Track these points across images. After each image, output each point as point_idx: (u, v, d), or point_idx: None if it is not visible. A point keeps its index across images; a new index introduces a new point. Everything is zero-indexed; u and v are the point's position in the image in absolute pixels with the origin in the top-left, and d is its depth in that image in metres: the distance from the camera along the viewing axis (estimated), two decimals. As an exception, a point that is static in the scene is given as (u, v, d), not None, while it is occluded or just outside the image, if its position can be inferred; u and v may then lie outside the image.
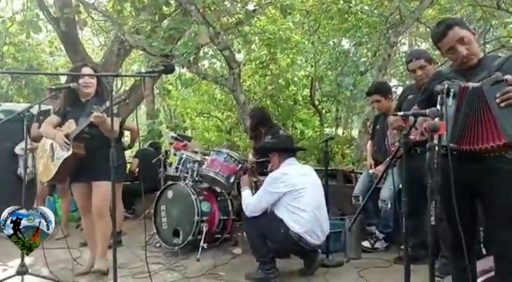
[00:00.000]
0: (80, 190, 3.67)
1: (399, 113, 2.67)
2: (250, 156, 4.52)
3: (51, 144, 3.65)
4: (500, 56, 2.45)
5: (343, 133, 12.22)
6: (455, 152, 2.30)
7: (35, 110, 3.65)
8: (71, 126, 3.50)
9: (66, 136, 3.45)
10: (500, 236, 2.34)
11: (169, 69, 3.19)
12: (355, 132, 11.69)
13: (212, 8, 6.03)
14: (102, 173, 3.34)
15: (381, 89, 4.41)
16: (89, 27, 9.54)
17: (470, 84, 2.28)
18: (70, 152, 3.43)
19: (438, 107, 2.19)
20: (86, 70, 3.60)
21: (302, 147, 5.46)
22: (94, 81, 3.61)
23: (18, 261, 3.39)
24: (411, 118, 2.62)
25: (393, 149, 3.88)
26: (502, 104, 2.17)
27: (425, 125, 2.14)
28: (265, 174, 4.10)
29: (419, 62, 3.57)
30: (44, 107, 4.97)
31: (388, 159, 3.81)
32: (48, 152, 3.67)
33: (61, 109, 3.71)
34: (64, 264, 3.95)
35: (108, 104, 3.02)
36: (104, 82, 3.64)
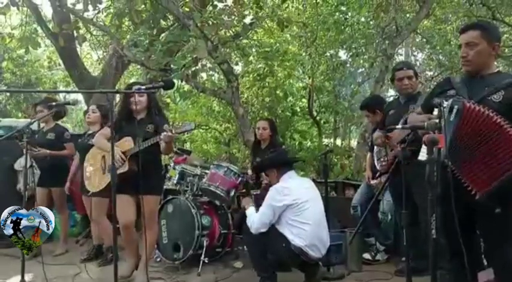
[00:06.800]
0: (126, 201, 3.74)
1: (397, 126, 2.68)
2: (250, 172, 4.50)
3: (103, 156, 3.80)
4: None
5: (341, 144, 12.23)
6: None
7: (35, 126, 3.65)
8: (127, 143, 3.59)
9: (123, 152, 3.57)
10: (499, 254, 2.35)
11: (169, 85, 3.22)
12: (353, 143, 11.70)
13: (210, 22, 6.06)
14: (153, 186, 3.74)
15: (368, 105, 4.46)
16: (87, 42, 9.58)
17: (491, 114, 2.23)
18: (126, 168, 3.56)
19: (436, 120, 2.20)
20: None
21: (299, 158, 5.42)
22: (143, 99, 3.70)
23: (18, 278, 3.37)
24: (396, 131, 2.60)
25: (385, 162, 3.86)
26: None
27: (425, 138, 2.15)
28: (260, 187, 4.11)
29: (409, 72, 3.77)
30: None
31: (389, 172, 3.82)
32: (100, 163, 3.80)
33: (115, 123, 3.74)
34: (63, 281, 3.93)
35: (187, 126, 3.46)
36: (155, 99, 3.82)
